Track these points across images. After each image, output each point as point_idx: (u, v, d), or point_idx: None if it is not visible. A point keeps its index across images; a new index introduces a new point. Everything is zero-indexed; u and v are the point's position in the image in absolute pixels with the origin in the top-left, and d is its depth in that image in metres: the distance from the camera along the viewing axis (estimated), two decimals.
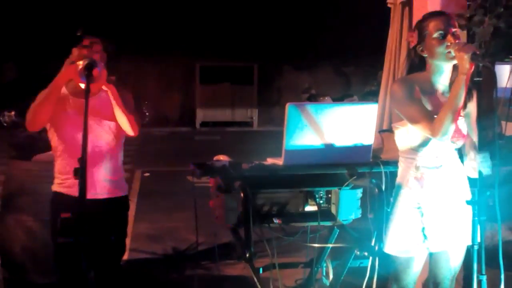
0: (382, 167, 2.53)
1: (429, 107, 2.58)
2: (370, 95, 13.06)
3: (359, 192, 2.66)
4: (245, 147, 11.49)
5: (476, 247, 2.31)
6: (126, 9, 15.45)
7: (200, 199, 2.80)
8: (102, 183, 2.97)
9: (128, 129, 2.93)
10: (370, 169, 2.55)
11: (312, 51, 16.65)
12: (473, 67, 2.39)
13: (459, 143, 2.67)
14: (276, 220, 2.56)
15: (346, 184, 2.56)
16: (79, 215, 2.32)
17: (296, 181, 2.58)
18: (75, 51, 2.89)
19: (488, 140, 2.56)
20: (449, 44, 2.52)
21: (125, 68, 15.05)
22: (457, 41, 2.54)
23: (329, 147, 2.48)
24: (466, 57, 2.42)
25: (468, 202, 2.36)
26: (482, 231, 2.32)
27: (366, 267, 2.70)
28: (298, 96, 15.19)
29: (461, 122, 2.62)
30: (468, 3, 4.01)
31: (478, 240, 2.31)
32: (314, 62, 16.90)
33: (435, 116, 2.52)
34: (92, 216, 2.44)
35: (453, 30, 2.57)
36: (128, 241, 3.32)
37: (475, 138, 2.44)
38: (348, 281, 2.89)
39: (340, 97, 15.55)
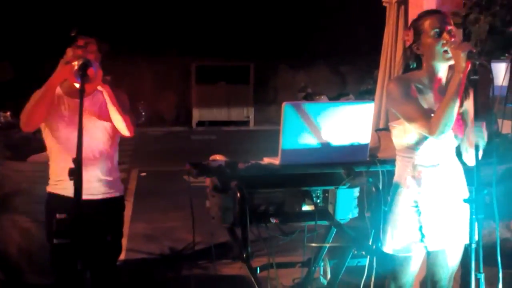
0: (379, 166, 2.52)
1: (425, 105, 2.57)
2: (366, 94, 13.08)
3: (356, 191, 2.65)
4: (241, 146, 11.47)
5: (474, 246, 2.30)
6: (121, 9, 15.41)
7: (197, 198, 2.79)
8: (97, 183, 2.96)
9: (124, 130, 2.91)
10: (367, 168, 2.54)
11: (308, 50, 16.65)
12: (469, 65, 2.38)
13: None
14: (273, 220, 2.55)
15: (343, 183, 2.55)
16: (75, 216, 2.31)
17: (293, 181, 2.57)
18: (69, 51, 2.87)
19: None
20: (445, 42, 2.52)
21: (121, 68, 15.02)
22: (453, 39, 2.53)
23: (326, 146, 2.48)
24: (462, 55, 2.41)
25: (465, 201, 2.35)
26: (480, 229, 2.31)
27: (364, 266, 2.70)
28: (294, 95, 15.19)
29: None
30: (463, 1, 4.01)
31: (476, 238, 2.30)
32: (310, 61, 16.90)
33: (432, 115, 2.51)
34: (87, 216, 2.43)
35: (449, 28, 2.56)
36: (124, 241, 3.31)
37: (472, 136, 2.43)
38: (345, 280, 2.89)
39: (336, 96, 15.57)
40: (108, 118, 2.91)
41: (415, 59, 2.64)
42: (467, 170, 2.72)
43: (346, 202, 2.61)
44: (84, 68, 2.58)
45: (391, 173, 2.72)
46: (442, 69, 2.61)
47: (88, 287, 3.01)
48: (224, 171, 2.50)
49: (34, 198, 3.75)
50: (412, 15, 5.14)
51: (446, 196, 2.66)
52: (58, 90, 2.92)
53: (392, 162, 2.71)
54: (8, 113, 5.71)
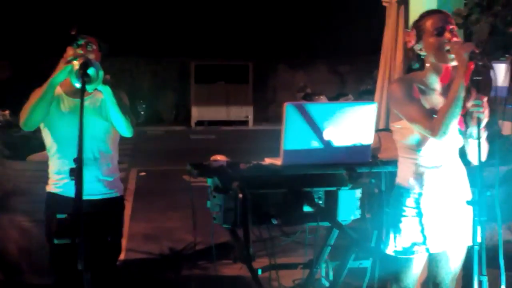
0: (381, 167, 2.51)
1: (428, 106, 2.56)
2: (365, 94, 13.06)
3: (358, 192, 2.63)
4: (240, 146, 11.46)
5: (476, 248, 2.29)
6: (120, 8, 15.40)
7: (197, 198, 2.77)
8: (97, 183, 2.94)
9: (123, 130, 2.90)
10: (370, 169, 2.53)
11: (307, 50, 16.65)
12: (472, 66, 2.37)
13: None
14: (274, 221, 2.53)
15: (345, 184, 2.53)
16: (76, 216, 2.29)
17: (294, 181, 2.55)
18: (69, 50, 2.86)
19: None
20: (447, 41, 2.50)
21: (120, 67, 15.00)
22: (454, 38, 2.52)
23: (328, 147, 2.46)
24: (465, 56, 2.40)
25: (468, 203, 2.34)
26: (483, 231, 2.29)
27: (366, 268, 2.68)
28: (293, 95, 15.17)
29: None
30: (465, 1, 4.00)
31: (479, 240, 2.29)
32: (310, 61, 16.90)
33: (435, 116, 2.50)
34: (87, 216, 2.41)
35: (451, 27, 2.55)
36: (124, 241, 3.30)
37: (472, 110, 2.40)
38: (347, 281, 2.87)
39: (335, 96, 15.55)
40: (108, 118, 2.90)
41: (418, 60, 2.63)
42: (470, 171, 2.71)
43: (348, 203, 2.59)
44: (85, 67, 2.56)
45: (393, 174, 2.70)
46: (444, 70, 2.60)
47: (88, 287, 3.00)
48: (226, 171, 2.48)
49: (33, 197, 3.73)
50: (413, 15, 5.14)
51: (448, 198, 2.64)
52: (58, 89, 2.91)
53: (394, 163, 2.69)
54: (7, 112, 5.69)
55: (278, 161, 2.49)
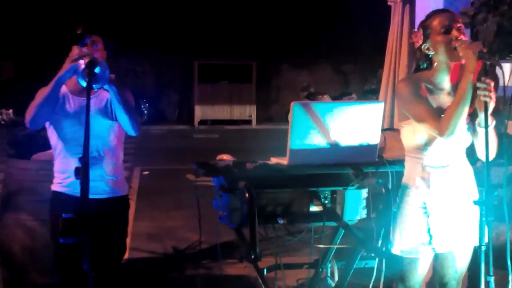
0: (388, 166, 2.50)
1: (435, 106, 2.55)
2: (369, 94, 13.05)
3: (364, 192, 2.62)
4: (244, 145, 11.45)
5: (483, 248, 2.28)
6: (124, 7, 15.40)
7: (200, 197, 2.76)
8: (103, 182, 2.93)
9: (129, 129, 2.89)
10: (376, 169, 2.52)
11: (311, 49, 16.63)
12: (480, 65, 2.36)
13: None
14: (280, 220, 2.52)
15: (351, 184, 2.52)
16: (82, 215, 2.29)
17: (300, 181, 2.54)
18: (75, 49, 2.86)
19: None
20: (454, 38, 2.49)
21: (123, 66, 15.01)
22: (462, 36, 2.51)
23: (335, 147, 2.45)
24: (472, 55, 2.39)
25: (475, 202, 2.33)
26: (490, 231, 2.28)
27: (371, 268, 2.67)
28: (296, 94, 15.16)
29: None
30: (471, 0, 3.99)
31: (486, 240, 2.28)
32: (313, 60, 16.88)
33: (442, 115, 2.49)
34: (93, 216, 2.41)
35: (458, 25, 2.54)
36: (128, 240, 3.30)
37: (480, 95, 2.39)
38: (353, 281, 2.86)
39: (339, 96, 15.55)
40: (113, 117, 2.89)
41: (425, 60, 2.62)
42: (477, 171, 2.70)
43: (354, 203, 2.58)
44: (91, 66, 2.56)
45: (399, 174, 2.69)
46: (452, 69, 2.59)
47: (93, 287, 2.99)
48: (232, 171, 2.48)
49: (38, 196, 3.73)
50: (419, 14, 5.13)
51: (455, 198, 2.63)
52: (64, 88, 2.90)
53: (400, 162, 2.68)
54: (11, 111, 5.70)
55: (284, 161, 2.48)
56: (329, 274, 2.94)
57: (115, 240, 2.98)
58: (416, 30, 2.65)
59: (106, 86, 2.74)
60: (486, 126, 2.32)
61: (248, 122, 16.72)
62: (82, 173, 2.29)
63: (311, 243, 2.73)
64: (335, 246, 2.79)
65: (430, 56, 2.60)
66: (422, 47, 2.60)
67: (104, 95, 2.90)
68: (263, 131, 15.09)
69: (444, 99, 2.58)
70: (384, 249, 2.49)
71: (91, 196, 2.41)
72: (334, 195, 2.61)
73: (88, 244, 2.33)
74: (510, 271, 2.38)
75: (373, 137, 2.49)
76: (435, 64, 2.60)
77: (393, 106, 5.69)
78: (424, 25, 2.61)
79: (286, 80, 17.09)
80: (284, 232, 2.61)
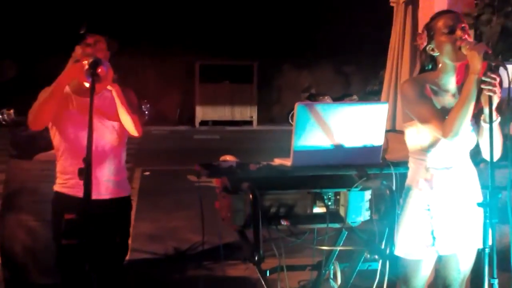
0: (392, 168, 2.49)
1: (440, 107, 2.54)
2: (371, 95, 13.04)
3: (368, 194, 2.61)
4: (245, 146, 11.46)
5: (487, 250, 2.26)
6: (125, 7, 15.40)
7: (202, 198, 2.75)
8: (105, 183, 2.93)
9: (132, 129, 2.88)
10: (380, 171, 2.51)
11: (312, 50, 16.64)
12: (485, 66, 2.35)
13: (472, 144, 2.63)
14: (283, 222, 2.51)
15: (355, 185, 2.51)
16: (84, 216, 2.28)
17: (304, 182, 2.53)
18: (78, 49, 2.85)
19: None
20: (458, 38, 2.49)
21: (124, 66, 15.01)
22: (466, 36, 2.50)
23: (339, 148, 2.44)
24: (477, 56, 2.38)
25: (479, 204, 2.31)
26: (494, 234, 2.27)
27: (374, 270, 2.66)
28: (298, 95, 15.18)
29: None
30: (475, 1, 3.98)
31: (490, 243, 2.27)
32: (314, 61, 16.89)
33: (446, 117, 2.48)
34: (95, 217, 2.40)
35: (462, 25, 2.54)
36: (129, 241, 3.29)
37: (484, 89, 2.38)
38: (356, 284, 2.85)
39: (340, 97, 15.56)
40: (116, 117, 2.89)
41: (430, 61, 2.62)
42: (481, 173, 2.69)
43: (358, 205, 2.57)
44: (94, 66, 2.55)
45: (402, 176, 2.68)
46: (457, 69, 2.58)
47: None
48: (236, 172, 2.46)
49: (40, 197, 3.72)
50: (422, 15, 5.12)
51: (459, 200, 2.62)
52: (67, 88, 2.89)
53: (404, 164, 2.67)
54: (12, 111, 5.68)
55: (288, 162, 2.47)
56: (332, 276, 2.92)
57: (118, 241, 2.97)
58: (421, 32, 2.65)
59: (109, 87, 2.73)
60: (491, 121, 2.31)
61: (249, 123, 16.72)
62: (85, 174, 2.28)
63: (314, 244, 2.72)
64: (338, 248, 2.78)
65: (435, 57, 2.60)
66: (427, 48, 2.60)
67: (107, 95, 2.89)
68: (264, 132, 15.10)
69: (449, 100, 2.57)
70: (387, 251, 2.48)
71: (93, 197, 2.40)
72: (338, 197, 2.60)
73: (91, 245, 2.32)
74: None
75: (377, 139, 2.48)
76: (440, 65, 2.59)
77: (395, 108, 5.68)
78: (429, 26, 2.61)
79: (288, 80, 17.10)
80: (287, 234, 2.60)
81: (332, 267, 2.90)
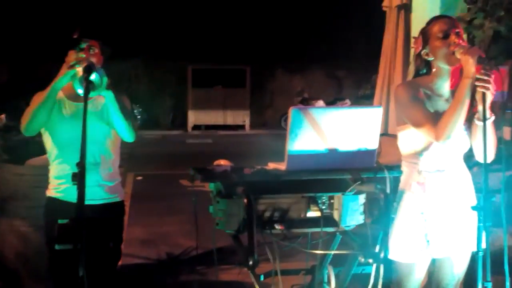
0: (386, 172, 2.49)
1: (432, 111, 2.55)
2: (363, 99, 13.08)
3: (362, 198, 2.61)
4: (238, 150, 11.45)
5: (481, 254, 2.27)
6: (118, 12, 15.38)
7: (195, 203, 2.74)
8: (98, 188, 2.91)
9: (125, 135, 2.87)
10: (374, 175, 2.51)
11: (305, 55, 16.68)
12: (479, 70, 2.36)
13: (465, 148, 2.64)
14: (278, 226, 2.51)
15: (349, 189, 2.51)
16: (78, 221, 2.26)
17: (298, 186, 2.52)
18: (72, 54, 2.83)
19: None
20: (452, 43, 2.50)
21: (116, 70, 14.98)
22: (460, 41, 2.51)
23: (333, 152, 2.44)
24: (471, 60, 2.40)
25: (473, 208, 2.32)
26: (488, 237, 2.28)
27: (368, 274, 2.66)
28: (290, 99, 15.19)
29: None
30: (468, 6, 4.00)
31: (483, 246, 2.27)
32: (307, 65, 16.93)
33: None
34: (89, 222, 2.38)
35: (456, 30, 2.55)
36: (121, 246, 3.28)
37: (478, 85, 2.39)
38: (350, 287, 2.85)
39: (333, 101, 15.58)
40: (109, 122, 2.87)
41: (425, 65, 2.63)
42: (475, 176, 2.70)
43: (352, 209, 2.57)
44: (88, 71, 2.53)
45: (395, 180, 2.68)
46: (451, 74, 2.59)
47: None
48: (230, 176, 2.46)
49: (32, 202, 3.70)
50: (416, 20, 5.15)
51: (452, 203, 2.63)
52: (60, 92, 2.87)
53: (398, 168, 2.68)
54: (3, 116, 5.64)
55: (282, 166, 2.46)
56: (326, 280, 2.92)
57: (111, 246, 2.96)
58: (416, 36, 2.66)
59: (102, 92, 2.72)
60: (484, 119, 2.32)
61: (242, 127, 16.72)
62: (78, 178, 2.27)
63: (308, 249, 2.72)
64: (332, 252, 2.78)
65: (429, 61, 2.61)
66: (422, 52, 2.61)
67: (100, 100, 2.87)
68: (257, 136, 15.10)
69: (442, 105, 2.59)
70: (382, 255, 2.48)
71: (87, 202, 2.39)
72: (332, 201, 2.60)
73: (84, 250, 2.31)
74: (507, 276, 2.38)
75: (371, 143, 2.48)
76: (434, 69, 2.61)
77: (387, 112, 5.70)
78: (424, 31, 2.63)
79: (280, 85, 17.12)
80: (281, 238, 2.59)
81: (326, 271, 2.89)
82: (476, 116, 2.49)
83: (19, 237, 3.94)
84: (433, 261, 2.73)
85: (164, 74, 16.78)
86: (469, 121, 2.56)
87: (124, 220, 3.13)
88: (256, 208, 2.44)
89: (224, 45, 16.27)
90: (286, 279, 3.20)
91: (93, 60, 2.74)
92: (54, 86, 2.75)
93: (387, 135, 5.28)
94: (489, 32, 3.74)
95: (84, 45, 2.83)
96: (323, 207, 2.58)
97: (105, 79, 2.59)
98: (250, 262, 2.33)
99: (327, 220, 2.59)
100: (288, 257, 3.51)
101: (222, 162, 2.60)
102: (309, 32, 16.49)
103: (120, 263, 3.82)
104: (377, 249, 2.50)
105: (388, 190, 2.49)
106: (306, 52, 16.60)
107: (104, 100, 2.81)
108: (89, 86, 2.48)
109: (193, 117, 16.43)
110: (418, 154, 2.61)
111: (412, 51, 2.76)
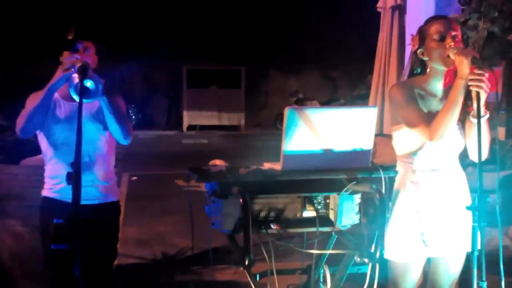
0: (382, 172, 2.50)
1: (426, 111, 2.56)
2: (358, 99, 13.11)
3: (357, 198, 2.62)
4: (233, 150, 11.45)
5: (476, 253, 2.28)
6: (112, 11, 15.35)
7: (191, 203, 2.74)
8: (94, 188, 2.91)
9: (120, 138, 2.87)
10: (370, 175, 2.52)
11: (300, 55, 16.69)
12: (472, 71, 2.37)
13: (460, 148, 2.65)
14: (274, 226, 2.51)
15: (345, 189, 2.52)
16: (73, 221, 2.26)
17: (294, 186, 2.53)
18: (67, 55, 2.83)
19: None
20: (448, 46, 2.51)
21: (111, 71, 14.94)
22: (456, 44, 2.52)
23: (328, 152, 2.44)
24: (465, 61, 2.41)
25: (468, 208, 2.33)
26: (482, 237, 2.29)
27: (363, 273, 2.67)
28: (285, 100, 15.20)
29: None
30: (462, 7, 4.02)
31: (479, 246, 2.28)
32: (302, 66, 16.94)
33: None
34: (84, 222, 2.38)
35: (453, 33, 2.55)
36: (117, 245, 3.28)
37: (472, 85, 2.40)
38: (345, 287, 2.86)
39: (327, 101, 15.60)
40: (105, 122, 2.86)
41: (420, 65, 2.64)
42: (469, 176, 2.71)
43: (348, 209, 2.58)
44: (83, 71, 2.52)
45: (390, 180, 2.69)
46: (445, 75, 2.60)
47: None
48: (226, 176, 2.46)
49: (27, 202, 3.71)
50: (411, 21, 5.16)
51: (447, 202, 2.64)
52: (55, 93, 2.87)
53: (393, 168, 2.69)
54: None
55: (277, 166, 2.47)
56: (321, 280, 2.92)
57: (106, 245, 2.95)
58: (414, 34, 2.67)
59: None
60: (479, 117, 2.33)
61: (237, 127, 16.71)
62: (73, 178, 2.26)
63: (304, 248, 2.72)
64: (328, 252, 2.78)
65: (424, 61, 2.62)
66: (418, 51, 2.62)
67: (96, 101, 2.86)
68: (252, 136, 15.09)
69: (436, 105, 2.60)
70: (377, 254, 2.48)
71: (82, 202, 2.38)
72: (328, 201, 2.60)
73: (80, 250, 2.30)
74: (502, 276, 2.39)
75: (367, 143, 2.49)
76: (429, 69, 2.61)
77: (382, 112, 5.72)
78: (421, 30, 2.63)
79: (275, 85, 17.13)
80: (276, 237, 2.59)
81: (322, 270, 2.90)
82: (471, 113, 2.50)
83: (14, 237, 3.93)
84: (429, 261, 2.73)
85: (159, 74, 16.76)
86: (463, 121, 2.57)
87: (120, 220, 3.13)
88: (251, 208, 2.44)
89: (219, 45, 16.27)
90: (282, 278, 3.20)
91: (88, 60, 2.73)
92: (49, 88, 2.74)
93: (382, 135, 5.30)
94: (483, 33, 3.76)
95: (79, 46, 2.82)
96: (319, 207, 2.59)
97: (101, 87, 2.59)
98: (246, 262, 2.33)
99: (323, 220, 2.60)
100: (284, 256, 3.51)
101: (218, 162, 2.60)
102: (304, 32, 16.50)
103: (115, 263, 3.82)
104: (372, 248, 2.50)
105: (383, 190, 2.49)
106: (301, 53, 16.62)
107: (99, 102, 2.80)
108: (83, 88, 2.47)
109: (188, 117, 16.41)
110: (413, 153, 2.62)
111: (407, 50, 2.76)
